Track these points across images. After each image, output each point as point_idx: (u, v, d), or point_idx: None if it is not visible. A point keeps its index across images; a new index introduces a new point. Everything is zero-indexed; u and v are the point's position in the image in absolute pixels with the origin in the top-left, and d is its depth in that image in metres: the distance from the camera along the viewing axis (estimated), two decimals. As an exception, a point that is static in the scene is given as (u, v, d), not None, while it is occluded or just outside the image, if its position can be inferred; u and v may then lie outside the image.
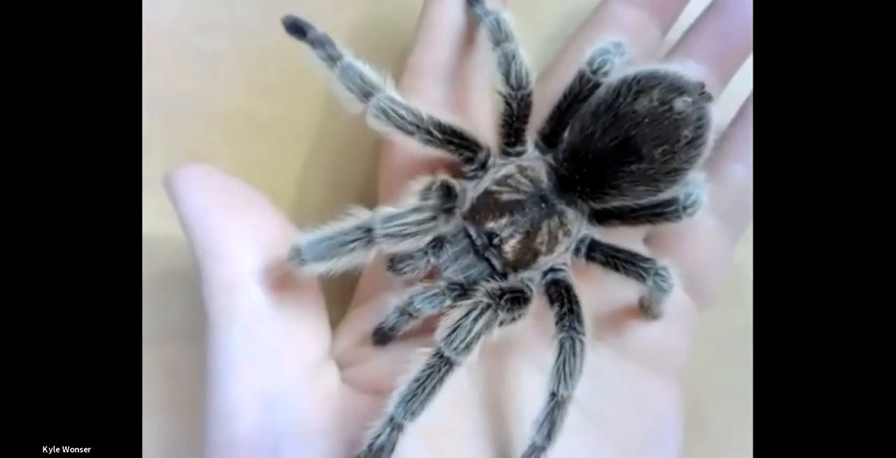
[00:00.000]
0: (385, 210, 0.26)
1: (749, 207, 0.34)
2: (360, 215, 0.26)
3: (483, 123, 0.31)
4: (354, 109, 0.28)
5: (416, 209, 0.26)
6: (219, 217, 0.27)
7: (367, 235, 0.25)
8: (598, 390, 0.30)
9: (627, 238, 0.32)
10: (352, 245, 0.25)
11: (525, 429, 0.27)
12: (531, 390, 0.29)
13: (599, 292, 0.31)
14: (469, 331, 0.25)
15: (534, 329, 0.28)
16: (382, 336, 0.28)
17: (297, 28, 0.28)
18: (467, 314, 0.25)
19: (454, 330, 0.25)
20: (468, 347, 0.25)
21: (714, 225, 0.34)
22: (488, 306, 0.26)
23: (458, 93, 0.31)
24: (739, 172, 0.34)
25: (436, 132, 0.28)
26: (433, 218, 0.26)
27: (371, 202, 0.32)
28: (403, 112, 0.28)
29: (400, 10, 0.36)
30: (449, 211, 0.27)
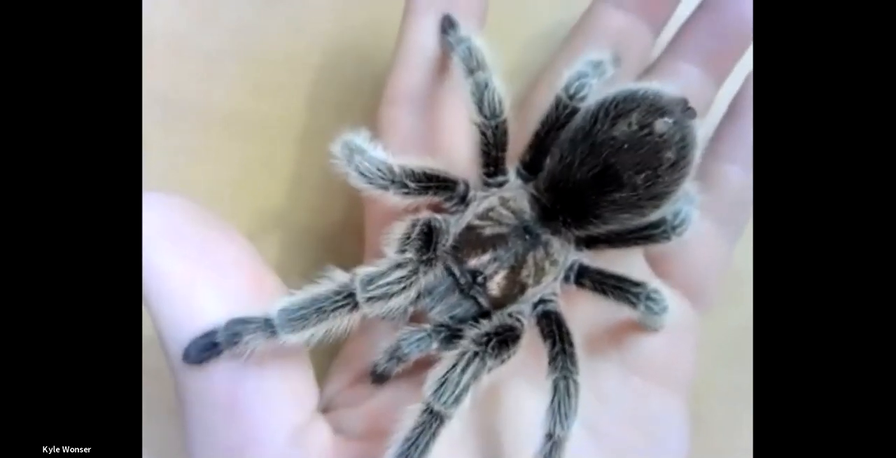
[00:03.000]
0: (364, 271, 0.24)
1: (746, 208, 0.33)
2: (337, 278, 0.24)
3: (461, 148, 0.30)
4: (342, 170, 0.27)
5: (397, 265, 0.24)
6: (175, 278, 0.24)
7: (348, 299, 0.23)
8: (603, 406, 0.29)
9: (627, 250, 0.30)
10: (333, 313, 0.23)
11: (522, 450, 0.27)
12: (526, 409, 0.28)
13: (598, 306, 0.30)
14: (457, 384, 0.24)
15: (526, 348, 0.27)
16: (378, 377, 0.28)
17: None
18: (454, 366, 0.24)
19: (442, 384, 0.24)
20: (458, 400, 0.24)
21: (712, 229, 0.32)
22: (475, 354, 0.25)
23: (435, 119, 0.30)
24: (734, 173, 0.32)
25: (410, 183, 0.26)
26: (414, 272, 0.25)
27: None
28: (375, 170, 0.26)
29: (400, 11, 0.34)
30: (429, 262, 0.26)
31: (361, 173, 0.26)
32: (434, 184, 0.27)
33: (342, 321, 0.24)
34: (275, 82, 0.36)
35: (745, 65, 0.34)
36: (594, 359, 0.30)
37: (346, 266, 0.34)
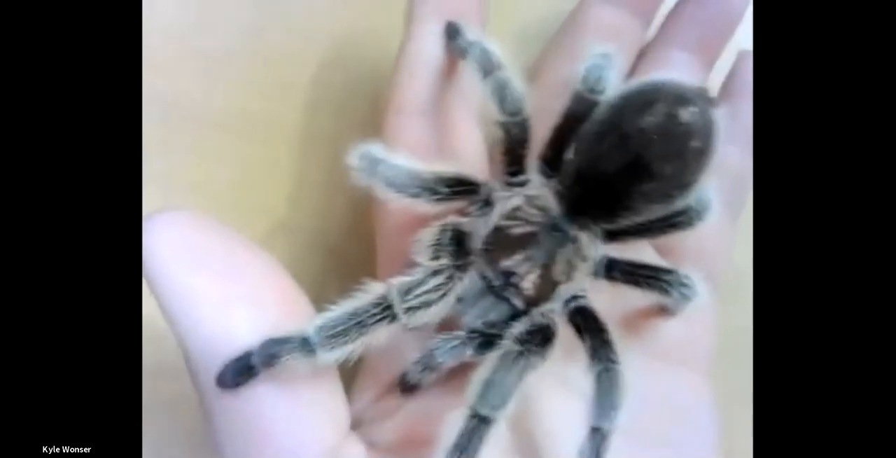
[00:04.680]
0: (399, 281, 0.23)
1: (746, 187, 0.33)
2: (372, 289, 0.23)
3: (474, 154, 0.29)
4: (364, 181, 0.26)
5: (434, 273, 0.23)
6: (207, 299, 0.22)
7: (386, 312, 0.22)
8: (631, 397, 0.29)
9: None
10: (372, 326, 0.22)
11: (553, 447, 0.26)
12: (557, 407, 0.27)
13: (615, 296, 0.29)
14: (503, 387, 0.23)
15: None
16: (409, 387, 0.26)
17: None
18: (497, 369, 0.23)
19: (488, 387, 0.23)
20: (504, 402, 0.23)
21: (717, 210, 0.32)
22: (520, 353, 0.24)
23: (443, 127, 0.29)
24: (732, 153, 0.32)
25: (442, 189, 0.25)
26: (451, 278, 0.24)
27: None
28: (405, 177, 0.25)
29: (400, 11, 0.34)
30: (464, 267, 0.25)
31: (389, 183, 0.25)
32: (464, 187, 0.26)
33: (381, 334, 0.23)
34: (275, 82, 0.35)
35: (733, 44, 0.34)
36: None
37: (348, 266, 0.34)
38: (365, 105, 0.35)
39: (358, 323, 0.22)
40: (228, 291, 0.23)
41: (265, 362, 0.22)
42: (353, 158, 0.25)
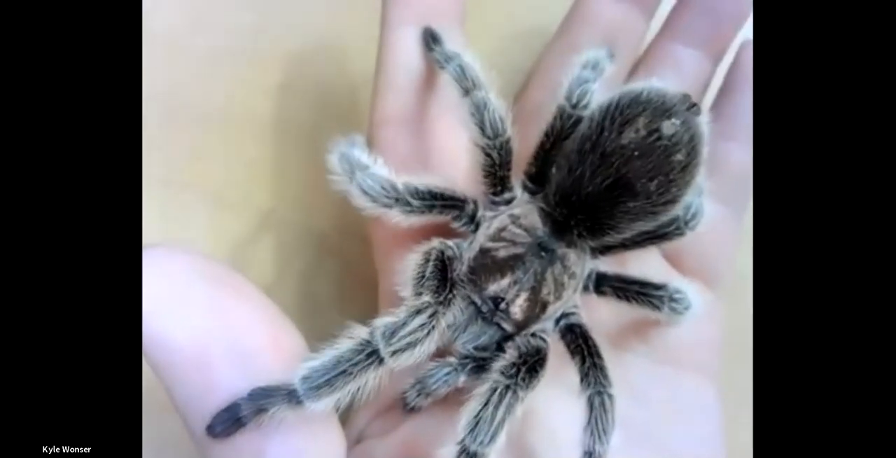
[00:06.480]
0: (383, 323, 0.22)
1: (749, 183, 0.32)
2: (356, 334, 0.22)
3: (460, 165, 0.27)
4: (342, 186, 0.25)
5: (416, 312, 0.23)
6: (184, 348, 0.21)
7: (372, 357, 0.22)
8: (637, 402, 0.28)
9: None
10: (359, 374, 0.21)
11: (550, 445, 0.26)
12: (555, 407, 0.27)
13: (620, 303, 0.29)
14: (492, 423, 0.22)
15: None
16: (410, 409, 0.26)
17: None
18: (486, 404, 0.23)
19: (476, 423, 0.22)
20: (494, 437, 0.22)
21: (719, 212, 0.31)
22: (507, 388, 0.23)
23: (429, 136, 0.28)
24: (735, 151, 0.31)
25: (414, 201, 0.24)
26: (434, 314, 0.23)
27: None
28: (378, 187, 0.24)
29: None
30: (448, 302, 0.24)
31: (364, 192, 0.24)
32: (439, 202, 0.25)
33: (369, 379, 0.22)
34: (275, 82, 0.34)
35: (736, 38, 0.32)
36: (622, 354, 0.29)
37: (351, 267, 0.34)
38: (365, 105, 0.34)
39: (343, 372, 0.21)
40: (207, 339, 0.22)
41: (254, 413, 0.21)
42: (334, 160, 0.24)
